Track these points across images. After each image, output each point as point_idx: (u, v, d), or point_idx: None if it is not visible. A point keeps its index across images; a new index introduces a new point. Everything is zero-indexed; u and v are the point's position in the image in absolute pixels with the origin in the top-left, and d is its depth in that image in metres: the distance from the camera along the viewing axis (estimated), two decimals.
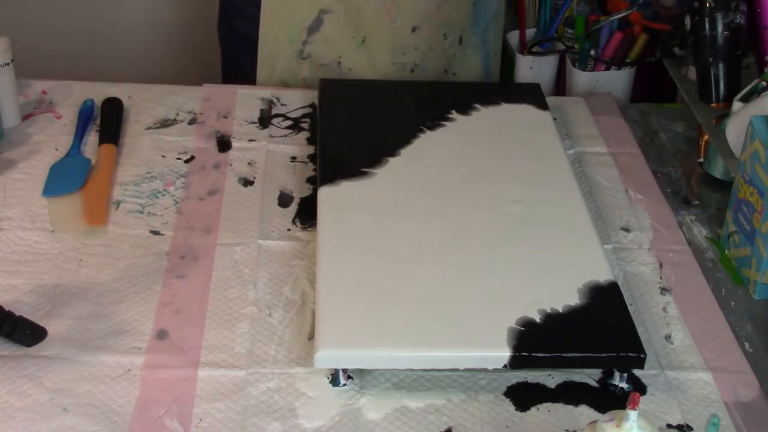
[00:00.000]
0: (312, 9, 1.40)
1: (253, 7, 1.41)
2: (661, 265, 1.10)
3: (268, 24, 1.42)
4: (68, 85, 1.36)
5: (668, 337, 1.00)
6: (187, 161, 1.23)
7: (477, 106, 1.29)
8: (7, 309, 0.93)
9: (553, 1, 1.57)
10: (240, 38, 1.48)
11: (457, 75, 1.48)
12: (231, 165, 1.22)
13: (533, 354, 0.90)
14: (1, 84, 1.24)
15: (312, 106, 1.35)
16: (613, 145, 1.32)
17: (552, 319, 0.94)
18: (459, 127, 1.25)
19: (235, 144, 1.26)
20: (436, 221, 1.07)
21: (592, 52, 1.47)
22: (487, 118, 1.27)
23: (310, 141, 1.28)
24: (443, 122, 1.25)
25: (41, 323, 0.95)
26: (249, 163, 1.23)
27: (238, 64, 1.50)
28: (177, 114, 1.32)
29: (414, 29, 1.41)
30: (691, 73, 1.33)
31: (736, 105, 1.17)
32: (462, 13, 1.44)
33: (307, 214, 1.14)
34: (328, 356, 0.89)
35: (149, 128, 1.29)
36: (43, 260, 1.05)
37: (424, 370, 0.93)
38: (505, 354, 0.89)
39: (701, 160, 1.27)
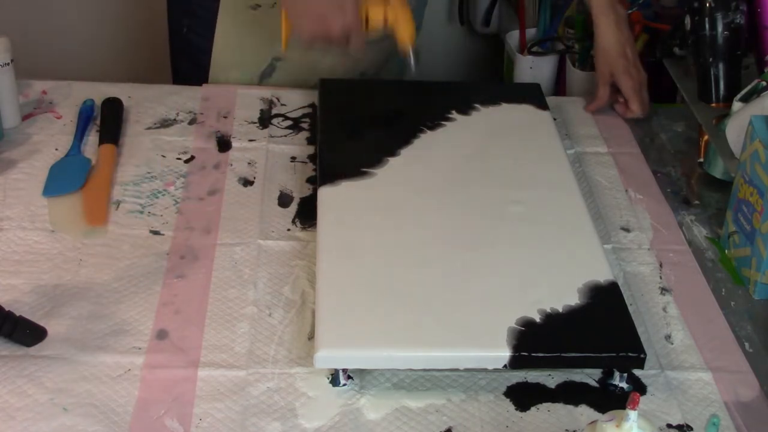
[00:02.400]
0: (265, 56, 1.40)
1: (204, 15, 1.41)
2: (661, 265, 1.10)
3: (219, 66, 1.41)
4: (68, 85, 1.36)
5: (668, 337, 1.00)
6: (187, 161, 1.23)
7: (477, 106, 1.29)
8: (7, 309, 0.93)
9: (553, 1, 1.57)
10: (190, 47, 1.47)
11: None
12: (231, 165, 1.22)
13: (533, 354, 0.90)
14: (1, 84, 1.23)
15: (312, 106, 1.35)
16: (613, 145, 1.32)
17: (552, 319, 0.94)
18: (459, 127, 1.25)
19: (235, 144, 1.26)
20: (436, 221, 1.07)
21: (592, 52, 1.47)
22: (487, 118, 1.27)
23: (310, 141, 1.28)
24: (443, 122, 1.25)
25: (41, 323, 0.95)
26: (249, 163, 1.23)
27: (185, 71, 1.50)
28: (177, 114, 1.32)
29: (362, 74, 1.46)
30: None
31: (736, 105, 1.17)
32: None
33: (307, 214, 1.14)
34: (328, 356, 0.89)
35: (149, 128, 1.29)
36: (43, 260, 1.05)
37: (424, 370, 0.93)
38: (505, 354, 0.89)
39: (701, 160, 1.27)
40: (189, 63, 1.45)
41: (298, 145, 1.27)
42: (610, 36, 1.36)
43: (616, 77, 1.36)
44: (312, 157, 1.25)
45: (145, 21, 2.15)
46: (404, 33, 1.21)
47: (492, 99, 1.31)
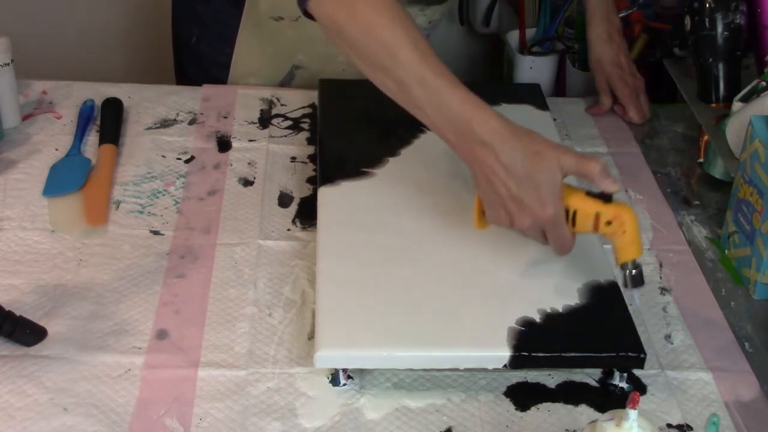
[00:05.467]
0: (285, 65, 1.40)
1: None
2: (661, 265, 1.10)
3: (238, 74, 1.41)
4: (68, 85, 1.36)
5: (668, 337, 1.00)
6: (187, 161, 1.23)
7: None
8: (7, 309, 0.93)
9: (553, 1, 1.57)
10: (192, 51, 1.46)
11: None
12: (231, 165, 1.22)
13: (533, 354, 0.90)
14: (1, 84, 1.24)
15: (312, 106, 1.35)
16: (613, 145, 1.32)
17: (552, 319, 0.94)
18: None
19: (235, 144, 1.26)
20: (435, 221, 1.06)
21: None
22: None
23: (310, 141, 1.28)
24: None
25: (41, 323, 0.95)
26: (249, 163, 1.23)
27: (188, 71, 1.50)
28: (177, 114, 1.32)
29: None
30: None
31: (736, 105, 1.17)
32: None
33: (307, 214, 1.14)
34: (328, 356, 0.89)
35: (149, 128, 1.29)
36: (43, 260, 1.05)
37: (424, 370, 0.93)
38: (505, 354, 0.89)
39: (701, 160, 1.27)
40: (198, 71, 1.44)
41: (298, 145, 1.27)
42: (603, 47, 1.38)
43: (612, 86, 1.37)
44: (312, 157, 1.25)
45: (146, 21, 2.15)
46: (627, 245, 0.93)
47: (492, 99, 1.30)
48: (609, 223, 0.93)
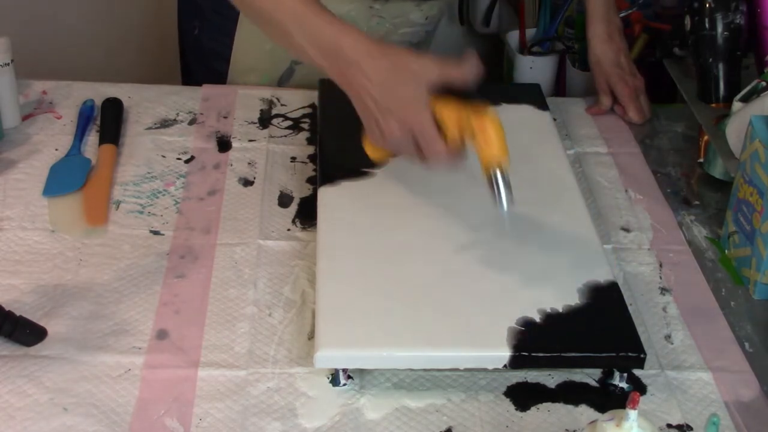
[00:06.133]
0: (285, 60, 1.40)
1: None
2: (661, 265, 1.10)
3: (238, 70, 1.41)
4: (68, 85, 1.36)
5: (668, 337, 1.00)
6: (187, 161, 1.23)
7: None
8: (7, 309, 0.93)
9: (553, 1, 1.57)
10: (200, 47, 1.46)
11: None
12: (231, 165, 1.22)
13: (533, 354, 0.90)
14: (1, 84, 1.24)
15: (312, 106, 1.35)
16: (613, 145, 1.32)
17: (552, 319, 0.94)
18: None
19: (235, 144, 1.26)
20: (436, 221, 1.06)
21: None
22: None
23: (310, 141, 1.28)
24: None
25: (41, 323, 0.95)
26: (249, 163, 1.23)
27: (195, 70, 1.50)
28: (177, 114, 1.32)
29: None
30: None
31: (736, 105, 1.17)
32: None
33: (307, 214, 1.14)
34: (328, 356, 0.89)
35: (149, 128, 1.29)
36: (43, 260, 1.05)
37: (424, 370, 0.93)
38: (505, 354, 0.89)
39: (701, 160, 1.27)
40: (200, 65, 1.45)
41: (298, 145, 1.27)
42: (603, 48, 1.38)
43: (612, 87, 1.37)
44: (312, 157, 1.24)
45: (146, 21, 2.16)
46: (490, 150, 0.92)
47: (492, 99, 1.30)
48: (473, 129, 0.93)
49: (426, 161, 0.99)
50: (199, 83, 1.40)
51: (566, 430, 0.89)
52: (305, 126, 1.31)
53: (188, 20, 1.45)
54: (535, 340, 0.91)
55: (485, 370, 0.93)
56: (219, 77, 1.41)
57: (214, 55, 1.41)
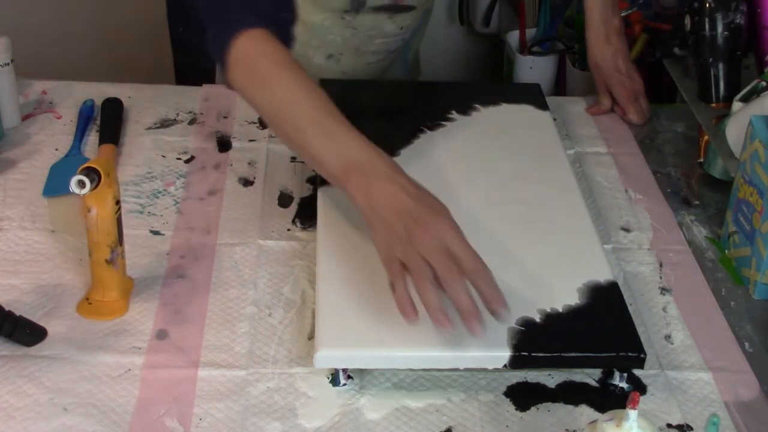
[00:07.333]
0: None
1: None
2: (661, 265, 1.10)
3: None
4: (68, 85, 1.37)
5: (668, 337, 1.00)
6: (187, 161, 1.23)
7: (477, 106, 1.29)
8: (7, 309, 0.93)
9: (553, 1, 1.57)
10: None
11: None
12: (231, 165, 1.22)
13: (533, 354, 0.90)
14: (1, 84, 1.24)
15: None
16: (613, 145, 1.32)
17: (552, 319, 0.94)
18: (459, 127, 1.25)
19: (235, 144, 1.26)
20: None
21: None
22: (487, 118, 1.27)
23: None
24: (443, 122, 1.25)
25: (41, 323, 0.95)
26: (249, 163, 1.23)
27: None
28: (177, 114, 1.32)
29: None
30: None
31: (736, 105, 1.17)
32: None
33: (307, 214, 1.14)
34: (328, 356, 0.89)
35: (149, 128, 1.29)
36: (43, 260, 1.05)
37: (424, 370, 0.93)
38: (505, 354, 0.89)
39: (701, 160, 1.27)
40: (189, 64, 1.45)
41: None
42: (601, 50, 1.38)
43: (610, 89, 1.37)
44: None
45: (146, 21, 2.15)
46: None
47: (492, 99, 1.31)
48: None
49: (449, 284, 0.86)
50: (188, 81, 1.40)
51: (566, 430, 0.89)
52: None
53: (174, 18, 1.45)
54: (535, 340, 0.91)
55: (485, 370, 0.93)
56: (205, 75, 1.41)
57: (201, 54, 1.41)
